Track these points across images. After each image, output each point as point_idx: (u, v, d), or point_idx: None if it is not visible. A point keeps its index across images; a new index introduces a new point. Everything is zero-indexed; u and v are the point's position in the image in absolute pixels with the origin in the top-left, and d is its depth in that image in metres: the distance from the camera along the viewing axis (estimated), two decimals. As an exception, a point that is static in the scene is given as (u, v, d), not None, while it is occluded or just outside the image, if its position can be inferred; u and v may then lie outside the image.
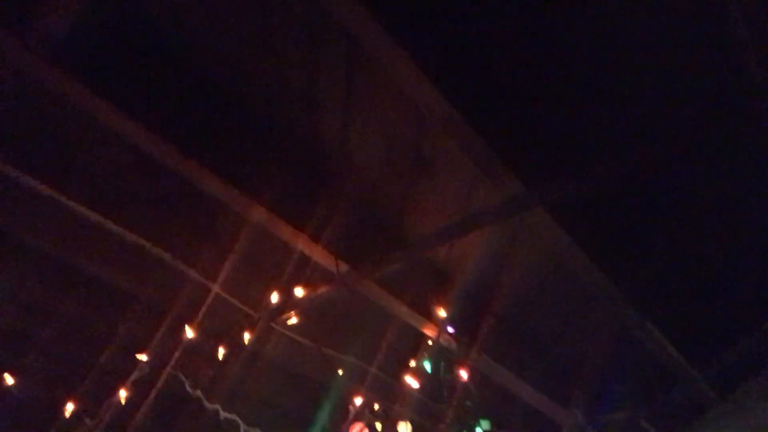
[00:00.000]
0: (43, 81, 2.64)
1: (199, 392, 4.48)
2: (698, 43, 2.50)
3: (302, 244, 3.51)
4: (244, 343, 3.84)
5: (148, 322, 3.88)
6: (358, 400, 4.25)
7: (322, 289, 3.70)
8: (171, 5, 2.74)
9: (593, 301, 3.89)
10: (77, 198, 3.21)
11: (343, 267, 3.60)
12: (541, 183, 2.97)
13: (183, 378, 4.27)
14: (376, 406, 4.38)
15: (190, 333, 3.75)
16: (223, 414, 4.66)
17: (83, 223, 3.29)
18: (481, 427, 4.36)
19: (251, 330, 3.80)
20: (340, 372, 4.51)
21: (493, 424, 4.46)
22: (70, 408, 3.86)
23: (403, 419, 4.27)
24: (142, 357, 3.73)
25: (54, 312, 3.75)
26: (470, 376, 4.09)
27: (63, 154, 3.23)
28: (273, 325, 3.89)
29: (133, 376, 3.73)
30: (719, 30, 2.44)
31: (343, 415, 4.33)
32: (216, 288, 3.74)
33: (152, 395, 3.76)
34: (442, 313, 4.17)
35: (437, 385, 4.44)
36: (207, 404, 4.46)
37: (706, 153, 2.87)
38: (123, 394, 3.74)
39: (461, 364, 4.12)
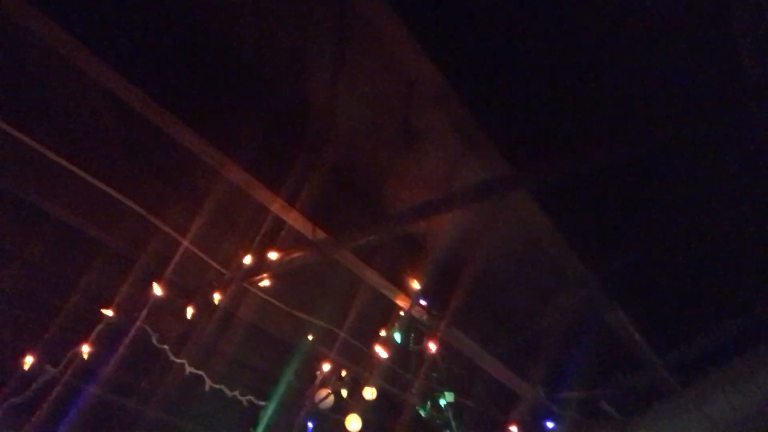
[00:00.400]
0: (13, 17, 2.47)
1: (166, 347, 4.44)
2: (695, 37, 2.44)
3: (278, 207, 3.43)
4: (214, 301, 3.78)
5: (116, 272, 3.79)
6: (326, 367, 4.26)
7: (297, 254, 3.64)
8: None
9: (566, 283, 3.92)
10: (43, 140, 3.06)
11: (320, 234, 3.54)
12: (526, 165, 2.93)
13: (150, 331, 4.22)
14: (344, 373, 4.41)
15: (158, 289, 3.67)
16: (189, 369, 4.64)
17: (50, 167, 3.15)
18: (445, 399, 4.42)
19: (222, 288, 3.75)
20: (310, 337, 4.51)
21: (457, 395, 4.53)
22: (31, 356, 3.79)
23: (370, 386, 4.30)
24: (108, 312, 3.65)
25: (17, 254, 3.63)
26: (439, 349, 4.12)
27: (30, 93, 3.07)
28: (245, 285, 3.83)
29: (99, 327, 3.66)
30: (717, 25, 2.38)
31: (310, 379, 4.35)
32: (186, 242, 3.65)
33: (118, 347, 3.70)
34: (415, 284, 4.16)
35: (406, 355, 4.48)
36: (173, 358, 4.43)
37: (690, 147, 2.86)
38: (87, 344, 3.67)
39: (431, 336, 4.13)
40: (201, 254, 3.75)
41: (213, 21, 2.89)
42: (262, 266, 3.72)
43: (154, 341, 4.32)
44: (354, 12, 2.60)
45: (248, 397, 5.10)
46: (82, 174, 3.32)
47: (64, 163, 3.25)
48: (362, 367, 4.31)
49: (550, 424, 5.24)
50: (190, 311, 3.79)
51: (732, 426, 3.32)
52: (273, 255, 3.72)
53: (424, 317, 4.27)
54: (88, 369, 3.97)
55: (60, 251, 3.73)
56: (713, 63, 2.44)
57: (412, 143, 3.48)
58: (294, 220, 3.50)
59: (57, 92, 3.10)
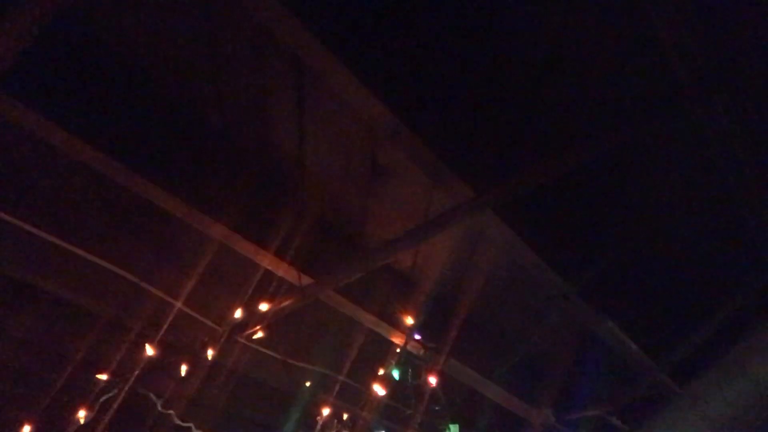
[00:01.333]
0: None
1: (171, 411, 4.47)
2: (627, 47, 2.62)
3: (264, 259, 3.55)
4: (209, 358, 3.85)
5: (109, 340, 3.87)
6: (326, 411, 4.28)
7: (286, 302, 3.73)
8: (109, 16, 2.77)
9: (553, 300, 3.99)
10: (32, 220, 3.21)
11: (306, 279, 3.65)
12: (489, 186, 3.07)
13: (153, 396, 4.26)
14: (345, 416, 4.42)
15: (152, 350, 3.75)
16: (195, 431, 4.64)
17: (38, 244, 3.29)
18: (450, 431, 4.41)
19: (216, 344, 3.82)
20: (308, 384, 4.54)
21: (462, 426, 4.52)
22: (27, 430, 3.82)
23: (372, 427, 4.31)
24: (103, 376, 3.71)
25: (8, 330, 3.72)
26: (438, 381, 4.15)
27: (14, 177, 3.24)
28: (238, 338, 3.90)
29: (98, 395, 3.71)
30: (647, 38, 2.56)
31: (311, 426, 4.35)
32: (179, 304, 3.75)
33: (115, 414, 3.74)
34: (408, 320, 4.23)
35: (405, 391, 4.49)
36: (178, 421, 4.45)
37: (645, 151, 3.00)
38: (83, 413, 3.71)
39: (429, 370, 4.17)
40: (193, 313, 3.84)
41: (175, 88, 3.08)
42: (254, 317, 3.81)
43: (159, 407, 4.35)
44: (308, 68, 2.79)
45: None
46: (71, 248, 3.46)
47: (53, 239, 3.40)
48: (363, 408, 4.32)
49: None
50: (183, 371, 3.84)
51: (728, 421, 3.34)
52: (263, 306, 3.81)
53: (421, 352, 4.31)
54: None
55: (54, 324, 3.83)
56: (644, 65, 2.61)
57: (382, 182, 3.63)
58: (281, 269, 3.62)
59: (39, 174, 3.27)
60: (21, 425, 3.77)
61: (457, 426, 4.52)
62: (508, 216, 3.33)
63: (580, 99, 2.91)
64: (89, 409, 3.72)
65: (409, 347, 4.33)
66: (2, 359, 3.74)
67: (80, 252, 3.49)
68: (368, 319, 4.17)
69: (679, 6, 2.34)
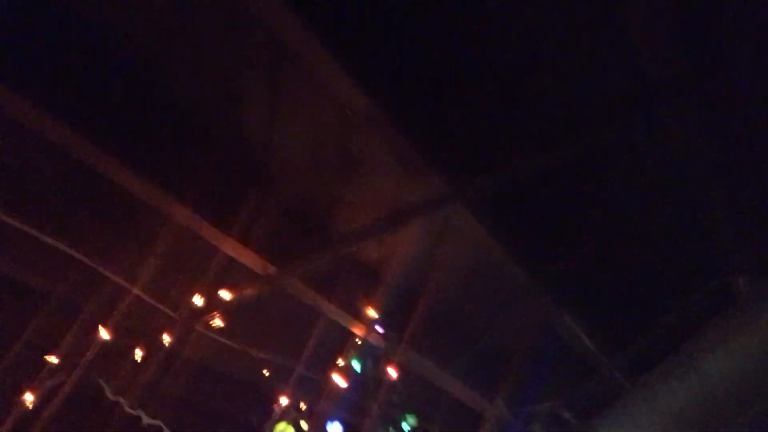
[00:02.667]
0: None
1: (120, 398, 4.31)
2: (601, 49, 2.66)
3: (227, 245, 3.46)
4: (164, 345, 3.73)
5: (62, 322, 3.70)
6: (284, 400, 4.23)
7: (248, 291, 3.66)
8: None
9: (514, 295, 4.05)
10: None
11: (270, 268, 3.58)
12: (460, 180, 3.08)
13: (103, 383, 4.10)
14: (303, 406, 4.37)
15: (107, 335, 3.61)
16: (146, 419, 4.50)
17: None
18: (407, 423, 4.43)
19: (171, 332, 3.70)
20: (266, 372, 4.47)
21: (419, 418, 4.55)
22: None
23: (330, 417, 4.28)
24: (52, 358, 3.55)
25: None
26: (398, 373, 4.16)
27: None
28: (196, 326, 3.80)
29: (47, 380, 3.54)
30: (620, 39, 2.61)
31: (269, 414, 4.29)
32: (135, 289, 3.61)
33: (64, 398, 3.58)
34: (371, 312, 4.23)
35: (365, 382, 4.49)
36: (128, 409, 4.30)
37: (611, 153, 3.06)
38: (30, 397, 3.54)
39: (389, 361, 4.18)
40: (148, 298, 3.71)
41: (147, 62, 2.96)
42: (213, 304, 3.72)
43: (109, 394, 4.20)
44: (284, 47, 2.72)
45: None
46: (23, 227, 3.28)
47: (5, 217, 3.21)
48: (321, 398, 4.29)
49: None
50: (138, 356, 3.72)
51: (677, 415, 3.47)
52: (224, 293, 3.72)
53: (382, 343, 4.31)
54: (31, 422, 3.81)
55: (5, 304, 3.63)
56: (617, 66, 2.67)
57: (353, 171, 3.59)
58: (244, 257, 3.54)
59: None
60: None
61: (414, 416, 4.56)
62: (476, 210, 3.36)
63: (553, 99, 2.94)
64: (36, 392, 3.55)
65: (369, 338, 4.33)
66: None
67: (32, 231, 3.31)
68: (331, 310, 4.13)
69: (653, 7, 2.39)
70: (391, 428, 4.42)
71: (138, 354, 3.72)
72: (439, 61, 2.89)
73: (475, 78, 2.94)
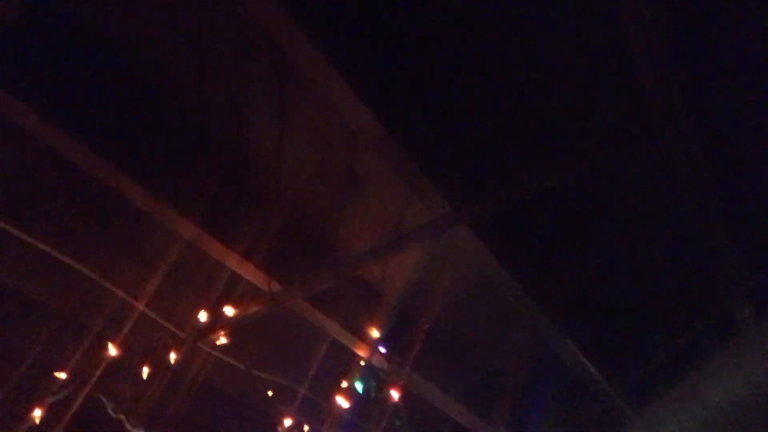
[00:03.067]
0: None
1: (122, 416, 4.30)
2: (603, 76, 2.72)
3: (233, 262, 3.49)
4: (170, 364, 3.73)
5: (67, 340, 3.71)
6: (288, 422, 4.20)
7: (253, 309, 3.67)
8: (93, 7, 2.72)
9: (517, 318, 4.05)
10: None
11: (275, 286, 3.60)
12: (466, 202, 3.11)
13: (104, 400, 4.09)
14: (306, 428, 4.35)
15: (113, 351, 3.61)
16: (146, 439, 4.47)
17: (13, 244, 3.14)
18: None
19: (177, 350, 3.71)
20: (270, 393, 4.45)
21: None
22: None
23: (334, 440, 4.25)
24: (61, 375, 3.55)
25: None
26: (400, 396, 4.14)
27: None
28: (200, 345, 3.81)
29: (50, 397, 3.54)
30: (622, 65, 2.66)
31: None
32: (141, 306, 3.63)
33: (69, 417, 3.58)
34: (374, 333, 4.22)
35: (367, 404, 4.46)
36: (129, 427, 4.28)
37: (614, 177, 3.10)
38: (38, 414, 3.53)
39: (392, 384, 4.16)
40: (155, 316, 3.73)
41: (156, 78, 3.03)
42: (218, 322, 3.73)
43: (110, 411, 4.19)
44: (293, 66, 2.79)
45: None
46: (29, 239, 3.32)
47: (9, 228, 3.25)
48: (324, 420, 4.27)
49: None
50: (145, 374, 3.72)
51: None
52: (229, 310, 3.74)
53: (385, 365, 4.30)
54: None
55: (7, 319, 3.65)
56: (619, 91, 2.72)
57: (359, 190, 3.63)
58: (249, 274, 3.56)
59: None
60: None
61: None
62: (481, 232, 3.38)
63: (556, 124, 3.00)
64: (43, 408, 3.54)
65: (373, 360, 4.32)
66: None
67: (39, 244, 3.35)
68: (334, 330, 4.14)
69: (655, 27, 2.45)
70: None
71: (143, 372, 3.72)
72: (446, 87, 2.95)
73: (479, 104, 3.00)
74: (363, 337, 4.23)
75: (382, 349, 4.30)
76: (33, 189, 3.24)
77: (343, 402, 4.14)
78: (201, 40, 2.81)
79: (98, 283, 3.52)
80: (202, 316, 3.72)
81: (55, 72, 2.70)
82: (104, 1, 2.69)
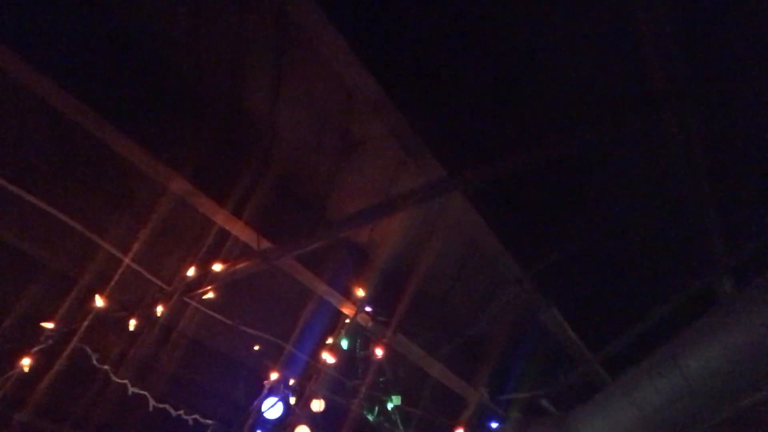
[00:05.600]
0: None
1: (107, 367, 4.33)
2: (607, 50, 2.69)
3: (222, 219, 3.47)
4: (157, 317, 3.75)
5: (54, 291, 3.70)
6: (274, 376, 4.27)
7: (242, 265, 3.68)
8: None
9: (504, 284, 4.11)
10: None
11: (264, 243, 3.59)
12: (461, 168, 3.10)
13: (90, 351, 4.11)
14: (291, 382, 4.42)
15: (100, 302, 3.61)
16: (131, 389, 4.52)
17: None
18: (392, 402, 4.51)
19: (164, 304, 3.72)
20: (257, 348, 4.51)
21: (404, 400, 4.62)
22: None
23: (317, 396, 4.34)
24: (48, 325, 3.55)
25: None
26: (385, 354, 4.22)
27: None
28: (187, 299, 3.82)
29: (37, 346, 3.55)
30: (628, 43, 2.63)
31: (257, 390, 4.34)
32: (128, 260, 3.61)
33: (56, 367, 3.60)
34: (360, 292, 4.27)
35: (352, 362, 4.54)
36: (114, 378, 4.32)
37: (614, 148, 3.10)
38: (26, 362, 3.54)
39: (377, 343, 4.23)
40: (142, 270, 3.71)
41: (149, 31, 2.93)
42: (207, 279, 3.73)
43: (94, 361, 4.21)
44: (291, 23, 2.71)
45: (194, 416, 5.01)
46: (17, 191, 3.25)
47: (2, 182, 3.18)
48: (309, 376, 4.34)
49: (494, 425, 5.39)
50: (132, 326, 3.73)
51: (657, 409, 3.56)
52: (217, 266, 3.74)
53: (370, 324, 4.36)
54: (24, 390, 3.82)
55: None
56: (622, 68, 2.69)
57: (352, 152, 3.60)
58: (239, 230, 3.54)
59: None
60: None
61: (399, 397, 4.63)
62: (474, 200, 3.39)
63: (556, 95, 2.97)
64: (32, 357, 3.56)
65: (358, 319, 4.38)
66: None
67: (24, 194, 3.28)
68: (321, 288, 4.17)
69: (662, 14, 2.41)
70: (376, 407, 4.49)
71: (130, 325, 3.73)
72: (447, 52, 2.90)
73: (480, 71, 2.96)
74: (349, 297, 4.28)
75: (368, 309, 4.36)
76: (23, 142, 3.17)
77: (328, 358, 4.21)
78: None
79: (86, 237, 3.48)
80: (191, 271, 3.71)
81: (51, 26, 2.60)
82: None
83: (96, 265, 3.65)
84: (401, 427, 4.69)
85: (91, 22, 2.74)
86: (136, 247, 3.65)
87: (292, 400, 4.19)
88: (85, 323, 3.46)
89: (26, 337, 3.59)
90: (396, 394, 4.46)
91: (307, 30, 2.56)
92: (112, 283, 3.59)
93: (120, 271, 3.65)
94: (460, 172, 3.04)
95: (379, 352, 4.18)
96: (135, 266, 3.69)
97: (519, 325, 4.93)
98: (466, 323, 4.96)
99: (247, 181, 3.45)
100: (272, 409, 4.14)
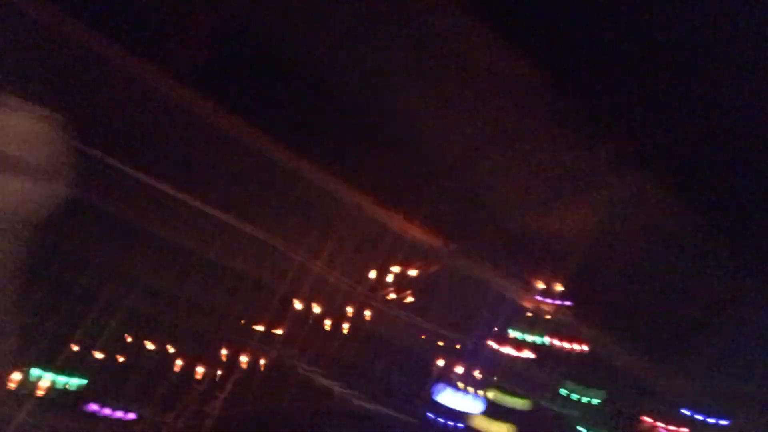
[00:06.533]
0: (164, 90, 2.78)
1: (295, 360, 4.68)
2: None
3: (406, 226, 3.61)
4: (349, 317, 3.99)
5: (259, 299, 4.10)
6: (459, 369, 4.38)
7: (428, 267, 3.79)
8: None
9: (705, 273, 3.80)
10: (205, 198, 3.41)
11: (449, 245, 3.68)
12: (633, 147, 2.92)
13: (290, 350, 4.46)
14: (475, 373, 4.49)
15: (298, 305, 3.95)
16: (319, 380, 4.85)
17: (210, 220, 3.49)
18: (590, 398, 4.43)
19: (359, 305, 3.96)
20: (440, 344, 4.63)
21: (580, 387, 4.51)
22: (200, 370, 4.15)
23: (495, 384, 4.38)
24: (259, 327, 3.96)
25: (178, 294, 3.99)
26: (572, 345, 4.13)
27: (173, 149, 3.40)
28: (378, 300, 4.02)
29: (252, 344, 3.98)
30: None
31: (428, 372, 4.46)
32: (324, 268, 3.90)
33: (261, 365, 3.99)
34: (540, 284, 4.22)
35: (538, 353, 4.48)
36: (303, 368, 4.64)
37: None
38: (244, 359, 3.99)
39: (563, 334, 4.16)
40: (335, 275, 3.97)
41: (333, 70, 3.09)
42: (395, 281, 3.90)
43: (294, 360, 4.56)
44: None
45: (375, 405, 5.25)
46: (232, 220, 3.65)
47: (224, 216, 3.61)
48: (490, 367, 4.39)
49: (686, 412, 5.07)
50: (327, 325, 4.03)
51: None
52: (404, 269, 3.89)
53: (554, 315, 4.29)
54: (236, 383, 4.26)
55: (213, 286, 4.08)
56: None
57: (524, 146, 3.53)
58: (423, 234, 3.66)
59: (214, 156, 3.40)
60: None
61: (602, 392, 4.49)
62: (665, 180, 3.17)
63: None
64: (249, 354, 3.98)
65: (541, 310, 4.32)
66: (173, 323, 4.03)
67: (239, 223, 3.68)
68: (501, 282, 4.16)
69: None
70: (562, 397, 4.43)
71: (325, 324, 4.04)
72: (621, 39, 2.72)
73: (653, 61, 2.75)
74: (529, 289, 4.24)
75: (551, 300, 4.29)
76: (238, 183, 3.54)
77: (510, 350, 4.22)
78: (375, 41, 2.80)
79: (285, 252, 3.82)
80: (380, 275, 3.90)
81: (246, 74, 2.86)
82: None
83: (294, 274, 3.96)
84: (587, 416, 4.59)
85: (292, 72, 2.97)
86: (335, 258, 3.92)
87: (471, 391, 4.27)
88: (288, 324, 3.81)
89: (241, 338, 4.02)
90: (598, 388, 4.36)
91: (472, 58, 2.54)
92: (309, 288, 3.89)
93: (319, 277, 3.95)
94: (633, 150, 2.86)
95: (568, 346, 4.11)
96: (328, 271, 3.96)
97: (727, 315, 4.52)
98: (651, 305, 4.67)
99: (425, 189, 3.56)
100: (453, 399, 4.26)
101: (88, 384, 3.99)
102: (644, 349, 4.62)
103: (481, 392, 4.51)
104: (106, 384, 4.03)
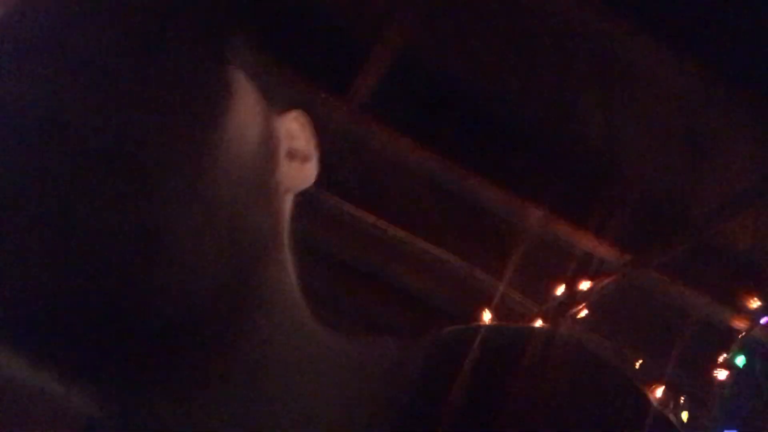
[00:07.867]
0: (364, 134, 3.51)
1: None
2: None
3: (583, 240, 3.73)
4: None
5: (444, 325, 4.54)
6: (659, 392, 4.18)
7: (604, 282, 3.83)
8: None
9: None
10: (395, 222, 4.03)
11: (626, 257, 3.69)
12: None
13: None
14: (682, 399, 4.23)
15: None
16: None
17: (394, 243, 4.11)
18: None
19: (541, 322, 4.13)
20: (637, 365, 4.49)
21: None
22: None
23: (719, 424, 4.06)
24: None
25: (369, 324, 4.65)
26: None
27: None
28: (562, 319, 4.15)
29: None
30: None
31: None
32: (502, 287, 4.17)
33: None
34: (753, 302, 3.89)
35: (753, 384, 4.06)
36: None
37: None
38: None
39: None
40: (517, 295, 4.24)
41: (487, 88, 3.44)
42: (573, 298, 4.01)
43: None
44: (612, 55, 2.89)
45: None
46: (420, 243, 4.25)
47: (404, 235, 4.24)
48: (701, 395, 4.09)
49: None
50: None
51: None
52: (581, 285, 3.99)
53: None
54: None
55: (404, 315, 4.69)
56: None
57: (703, 152, 3.44)
58: (599, 248, 3.73)
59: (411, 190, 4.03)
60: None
61: None
62: None
63: None
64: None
65: (754, 333, 3.95)
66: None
67: (425, 244, 4.25)
68: (698, 302, 3.94)
69: None
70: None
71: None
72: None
73: None
74: (738, 308, 3.93)
75: (764, 320, 3.91)
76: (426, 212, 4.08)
77: (723, 375, 3.94)
78: (527, 52, 3.14)
79: (467, 272, 4.24)
80: (558, 291, 4.06)
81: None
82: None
83: (476, 294, 4.35)
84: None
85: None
86: (509, 276, 4.20)
87: (685, 416, 4.03)
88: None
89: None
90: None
91: (627, 56, 2.72)
92: (492, 308, 4.22)
93: (497, 297, 4.26)
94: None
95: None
96: (509, 291, 4.24)
97: None
98: None
99: (601, 203, 3.64)
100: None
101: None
102: None
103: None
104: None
